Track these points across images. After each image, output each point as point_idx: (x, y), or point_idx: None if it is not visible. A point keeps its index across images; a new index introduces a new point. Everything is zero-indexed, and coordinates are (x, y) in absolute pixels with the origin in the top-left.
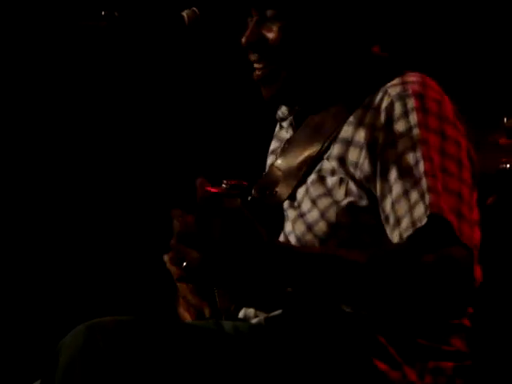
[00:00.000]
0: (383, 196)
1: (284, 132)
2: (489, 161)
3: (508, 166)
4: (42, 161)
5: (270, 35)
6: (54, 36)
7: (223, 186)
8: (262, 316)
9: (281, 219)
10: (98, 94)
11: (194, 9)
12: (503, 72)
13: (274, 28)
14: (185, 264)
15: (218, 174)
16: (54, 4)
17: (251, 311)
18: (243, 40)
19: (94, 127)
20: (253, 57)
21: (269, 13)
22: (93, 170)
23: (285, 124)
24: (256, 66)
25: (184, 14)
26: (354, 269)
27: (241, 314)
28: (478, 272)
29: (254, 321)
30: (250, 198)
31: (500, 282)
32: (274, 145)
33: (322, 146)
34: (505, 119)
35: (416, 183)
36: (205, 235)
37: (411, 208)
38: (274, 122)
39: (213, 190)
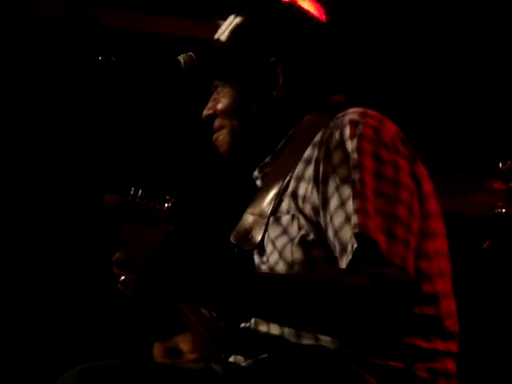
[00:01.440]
0: (326, 226)
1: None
2: (485, 205)
3: (503, 210)
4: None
5: (216, 105)
6: (51, 80)
7: (132, 193)
8: (250, 360)
9: (251, 265)
10: (94, 137)
11: (191, 54)
12: (498, 118)
13: (219, 97)
14: (121, 279)
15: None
16: (52, 48)
17: (241, 357)
18: (202, 115)
19: (90, 170)
20: (213, 128)
21: (215, 84)
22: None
23: (258, 182)
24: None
25: (180, 58)
26: (287, 291)
27: (231, 359)
28: (450, 303)
29: (244, 364)
30: (227, 246)
31: (497, 323)
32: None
33: (281, 187)
34: (500, 164)
35: (351, 212)
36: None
37: (351, 236)
38: None
39: (121, 198)
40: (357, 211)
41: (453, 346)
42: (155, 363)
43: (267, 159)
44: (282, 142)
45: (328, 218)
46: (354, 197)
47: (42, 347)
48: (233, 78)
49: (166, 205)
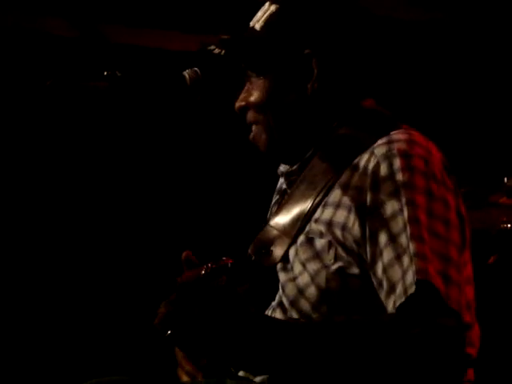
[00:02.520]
0: (374, 260)
1: (281, 189)
2: (490, 220)
3: (509, 225)
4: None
5: (250, 97)
6: (55, 95)
7: (203, 272)
8: (264, 375)
9: (276, 281)
10: (98, 154)
11: (196, 69)
12: (503, 133)
13: (253, 89)
14: (168, 333)
15: (221, 227)
16: (56, 63)
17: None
18: (235, 107)
19: (95, 187)
20: (247, 120)
21: (249, 75)
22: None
23: (282, 180)
24: (249, 127)
25: (186, 74)
26: (340, 343)
27: (241, 373)
28: (474, 332)
29: (257, 379)
30: (245, 258)
31: (503, 340)
32: (274, 198)
33: (311, 207)
34: (505, 179)
35: (406, 248)
36: (184, 321)
37: (404, 274)
38: (275, 177)
39: (194, 272)
40: (416, 255)
41: (470, 374)
42: (162, 379)
43: (294, 167)
44: (311, 152)
45: (377, 252)
46: (412, 238)
47: (44, 358)
48: (266, 69)
49: (227, 268)
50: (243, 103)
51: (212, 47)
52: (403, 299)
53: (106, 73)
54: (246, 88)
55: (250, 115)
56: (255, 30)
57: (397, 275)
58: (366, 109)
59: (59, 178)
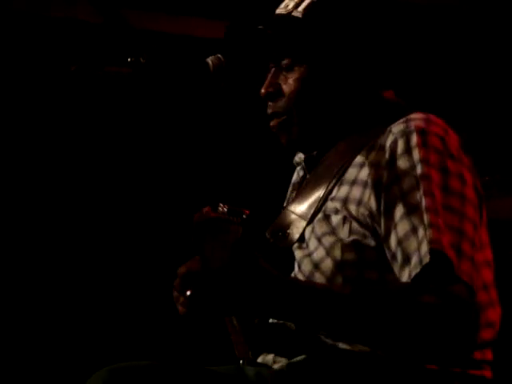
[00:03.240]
0: (388, 233)
1: (299, 177)
2: None
3: None
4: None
5: (285, 85)
6: (80, 81)
7: (220, 209)
8: (283, 362)
9: (292, 261)
10: (122, 138)
11: (219, 56)
12: None
13: (290, 77)
14: (188, 293)
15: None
16: (80, 49)
17: (270, 358)
18: (261, 91)
19: (117, 169)
20: (270, 108)
21: (284, 62)
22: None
23: (299, 168)
24: (273, 116)
25: (209, 60)
26: (354, 306)
27: (260, 359)
28: (493, 314)
29: (275, 366)
30: (262, 240)
31: None
32: (290, 192)
33: (328, 188)
34: None
35: (421, 220)
36: (204, 263)
37: (419, 245)
38: (292, 169)
39: (211, 214)
40: (431, 226)
41: (489, 354)
42: (184, 365)
43: (315, 152)
44: (332, 138)
45: (392, 225)
46: (427, 210)
47: (64, 349)
48: (308, 59)
49: (243, 217)
50: (273, 89)
51: (262, 27)
52: (418, 269)
53: (129, 59)
54: (273, 74)
55: (280, 104)
56: (296, 17)
57: (412, 247)
58: (386, 99)
59: (63, 176)
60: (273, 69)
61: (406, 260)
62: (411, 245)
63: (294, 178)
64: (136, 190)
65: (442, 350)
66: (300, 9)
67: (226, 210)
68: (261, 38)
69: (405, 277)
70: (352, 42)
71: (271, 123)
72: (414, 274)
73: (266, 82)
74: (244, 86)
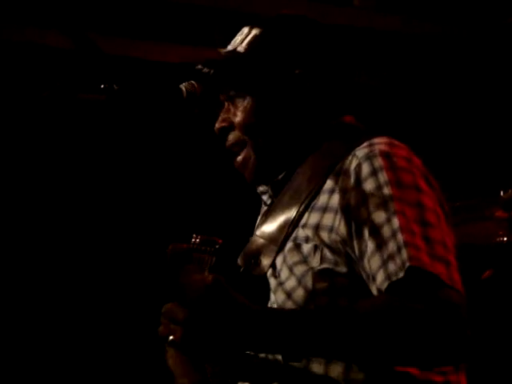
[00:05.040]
0: (362, 255)
1: (265, 206)
2: (485, 234)
3: (505, 239)
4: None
5: (234, 117)
6: (52, 108)
7: (193, 240)
8: None
9: (266, 289)
10: (96, 167)
11: (193, 82)
12: (498, 146)
13: (237, 110)
14: (170, 338)
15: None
16: (53, 75)
17: None
18: (215, 127)
19: (92, 195)
20: (226, 142)
21: (231, 95)
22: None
23: (265, 198)
24: (231, 148)
25: (182, 87)
26: (342, 322)
27: None
28: None
29: None
30: (235, 268)
31: (498, 352)
32: (258, 220)
33: (297, 214)
34: (501, 192)
35: (389, 238)
36: (179, 294)
37: (385, 262)
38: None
39: (184, 245)
40: (407, 245)
41: (462, 378)
42: None
43: (280, 176)
44: (295, 163)
45: (363, 247)
46: (401, 229)
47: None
48: (254, 90)
49: (215, 247)
50: (225, 124)
51: (200, 67)
52: (386, 285)
53: (103, 86)
54: (226, 109)
55: (234, 136)
56: (239, 52)
57: (376, 264)
58: (346, 123)
59: (56, 184)
60: (225, 103)
61: (373, 278)
62: (376, 263)
63: (262, 208)
64: (107, 219)
65: (440, 353)
66: (244, 44)
67: (198, 240)
68: (200, 76)
69: (374, 293)
70: (296, 71)
71: (234, 162)
72: (383, 287)
73: (219, 118)
74: (217, 113)
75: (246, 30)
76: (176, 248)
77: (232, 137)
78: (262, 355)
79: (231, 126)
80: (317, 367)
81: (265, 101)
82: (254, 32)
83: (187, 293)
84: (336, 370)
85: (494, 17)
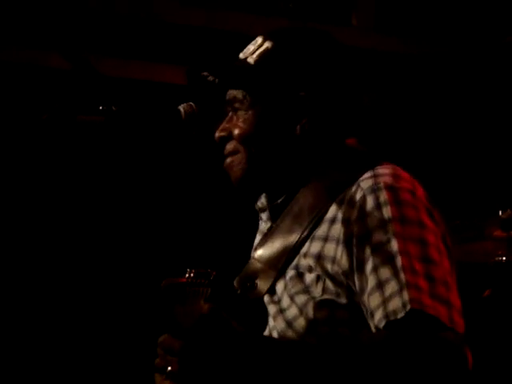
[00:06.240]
0: (362, 290)
1: (264, 224)
2: (485, 253)
3: (503, 258)
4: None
5: (234, 128)
6: (51, 130)
7: (187, 275)
8: None
9: (263, 313)
10: (94, 188)
11: (191, 103)
12: (498, 166)
13: (238, 121)
14: (168, 369)
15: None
16: (51, 97)
17: None
18: (215, 135)
19: (91, 216)
20: (224, 151)
21: (235, 106)
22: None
23: (264, 216)
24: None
25: (181, 108)
26: (335, 361)
27: None
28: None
29: None
30: (231, 291)
31: (498, 371)
32: (257, 239)
33: (298, 241)
34: (500, 212)
35: (391, 277)
36: (174, 328)
37: (385, 301)
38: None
39: (177, 280)
40: (408, 286)
41: None
42: None
43: (279, 201)
44: (296, 187)
45: (363, 282)
46: (403, 269)
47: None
48: (257, 104)
49: (210, 278)
50: (224, 133)
51: (205, 74)
52: (383, 323)
53: (101, 107)
54: (228, 118)
55: (231, 145)
56: (248, 63)
57: (375, 302)
58: (349, 147)
59: (55, 205)
60: (230, 113)
61: (371, 315)
62: (375, 301)
63: (260, 225)
64: (105, 239)
65: None
66: (254, 55)
67: (192, 275)
68: (203, 83)
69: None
70: (301, 94)
71: (224, 163)
72: (380, 325)
73: (220, 127)
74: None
75: (259, 40)
76: (170, 283)
77: (229, 146)
78: None
79: (230, 136)
80: None
81: (266, 116)
82: (267, 45)
83: (183, 323)
84: None
85: (492, 36)
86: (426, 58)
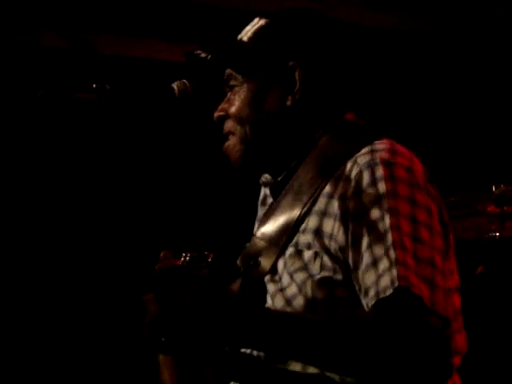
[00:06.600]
0: (356, 266)
1: (267, 198)
2: (477, 229)
3: (497, 234)
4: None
5: (230, 106)
6: (43, 107)
7: (182, 259)
8: None
9: (264, 292)
10: (88, 166)
11: (184, 81)
12: (491, 142)
13: (234, 99)
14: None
15: (208, 242)
16: (46, 75)
17: None
18: (214, 115)
19: (85, 195)
20: (222, 131)
21: (230, 84)
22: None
23: (267, 191)
24: (225, 137)
25: (174, 86)
26: (319, 335)
27: None
28: (461, 339)
29: None
30: (233, 269)
31: (492, 348)
32: (260, 211)
33: (298, 218)
34: (493, 188)
35: (384, 254)
36: (174, 308)
37: (377, 279)
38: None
39: (174, 262)
40: (398, 263)
41: (457, 381)
42: None
43: (279, 178)
44: (295, 162)
45: (358, 258)
46: (394, 245)
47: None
48: (250, 80)
49: (207, 261)
50: (222, 113)
51: (198, 51)
52: (373, 302)
53: (95, 85)
54: (226, 99)
55: (228, 125)
56: (242, 41)
57: (370, 280)
58: (348, 121)
59: (49, 184)
60: (228, 93)
61: (365, 292)
62: (370, 278)
63: (261, 197)
64: (100, 219)
65: (417, 380)
66: (249, 33)
67: (188, 258)
68: (197, 61)
69: (365, 308)
70: (293, 59)
71: (223, 145)
72: (370, 305)
73: (218, 107)
74: (210, 112)
75: (256, 19)
76: (164, 266)
77: (226, 125)
78: (258, 356)
79: (227, 115)
80: (296, 365)
81: (257, 89)
82: (261, 23)
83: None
84: (312, 368)
85: (486, 11)
86: (418, 34)
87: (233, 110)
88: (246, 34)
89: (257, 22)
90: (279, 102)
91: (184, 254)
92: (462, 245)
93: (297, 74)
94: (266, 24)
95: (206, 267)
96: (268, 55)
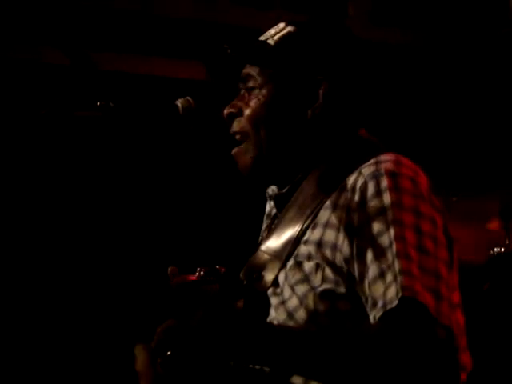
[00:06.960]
0: (361, 278)
1: (272, 210)
2: (483, 245)
3: (502, 249)
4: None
5: (246, 107)
6: (49, 125)
7: (197, 273)
8: None
9: (266, 305)
10: (92, 184)
11: (188, 98)
12: (498, 160)
13: (251, 100)
14: (168, 353)
15: (212, 255)
16: (50, 93)
17: None
18: (224, 112)
19: (89, 211)
20: (231, 129)
21: (249, 84)
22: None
23: (272, 203)
24: (234, 136)
25: (178, 103)
26: (324, 349)
27: None
28: (466, 358)
29: None
30: (237, 283)
31: (498, 363)
32: (265, 223)
33: (300, 231)
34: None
35: (389, 265)
36: (183, 323)
37: (385, 290)
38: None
39: (188, 277)
40: (402, 272)
41: None
42: None
43: (284, 190)
44: (300, 176)
45: (363, 270)
46: (398, 256)
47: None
48: (272, 84)
49: (219, 275)
50: (234, 110)
51: (226, 46)
52: (380, 313)
53: (99, 103)
54: (240, 96)
55: (240, 124)
56: (268, 44)
57: (378, 292)
58: (361, 137)
59: (53, 201)
60: (242, 91)
61: (373, 304)
62: (378, 290)
63: (267, 210)
64: (103, 232)
65: None
66: (275, 37)
67: (202, 272)
68: (222, 56)
69: (372, 321)
70: (321, 73)
71: (232, 150)
72: (377, 317)
73: (230, 104)
74: (213, 129)
75: (282, 25)
76: (180, 281)
77: (236, 124)
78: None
79: (239, 113)
80: (297, 379)
81: (279, 96)
82: (289, 29)
83: (191, 320)
84: (314, 383)
85: (489, 27)
86: (423, 49)
87: (248, 111)
88: (272, 37)
89: (283, 28)
90: (299, 113)
91: (199, 269)
92: (467, 261)
93: (322, 88)
94: (295, 31)
95: (216, 281)
96: (295, 62)
